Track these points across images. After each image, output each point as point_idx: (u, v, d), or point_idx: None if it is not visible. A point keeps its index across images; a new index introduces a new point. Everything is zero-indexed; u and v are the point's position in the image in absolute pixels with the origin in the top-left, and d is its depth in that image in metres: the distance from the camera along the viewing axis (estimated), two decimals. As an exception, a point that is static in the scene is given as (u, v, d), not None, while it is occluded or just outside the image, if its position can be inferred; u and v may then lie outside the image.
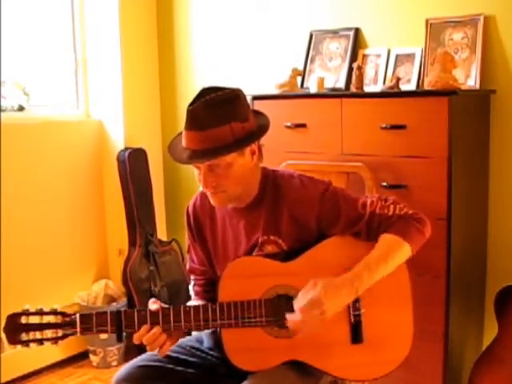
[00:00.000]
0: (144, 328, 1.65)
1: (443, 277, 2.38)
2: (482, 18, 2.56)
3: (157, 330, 1.64)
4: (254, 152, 1.72)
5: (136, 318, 1.65)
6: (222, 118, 1.62)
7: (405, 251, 1.71)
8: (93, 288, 3.43)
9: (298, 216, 1.74)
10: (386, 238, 1.71)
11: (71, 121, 3.48)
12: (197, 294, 1.93)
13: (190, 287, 1.96)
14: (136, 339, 1.65)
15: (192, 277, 1.96)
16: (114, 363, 3.32)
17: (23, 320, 1.63)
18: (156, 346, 1.65)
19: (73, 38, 3.53)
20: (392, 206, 1.74)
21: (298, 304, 1.63)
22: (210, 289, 1.89)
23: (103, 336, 3.22)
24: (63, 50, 3.52)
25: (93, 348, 3.31)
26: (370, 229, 1.73)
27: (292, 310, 1.65)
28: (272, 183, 1.78)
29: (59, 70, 3.52)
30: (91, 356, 3.34)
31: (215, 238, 1.86)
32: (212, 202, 1.75)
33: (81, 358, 3.39)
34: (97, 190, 3.54)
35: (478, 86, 2.56)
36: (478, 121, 2.58)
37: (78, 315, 1.65)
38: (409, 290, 1.76)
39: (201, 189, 1.80)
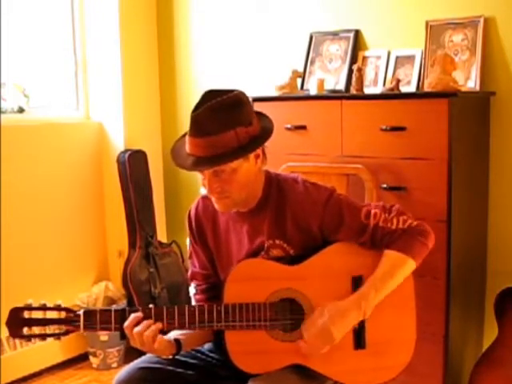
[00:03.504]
0: (135, 317, 1.64)
1: (443, 279, 2.38)
2: (481, 19, 2.56)
3: (148, 321, 1.64)
4: (258, 156, 1.71)
5: None
6: (226, 123, 1.60)
7: (409, 266, 1.71)
8: (93, 290, 3.42)
9: (301, 221, 1.73)
10: (390, 255, 1.71)
11: (71, 123, 3.48)
12: (198, 303, 1.89)
13: (191, 295, 1.94)
14: (128, 324, 1.63)
15: (193, 284, 1.92)
16: (114, 365, 3.32)
17: (26, 314, 1.63)
18: (148, 336, 1.62)
19: (73, 39, 3.53)
20: (395, 220, 1.73)
21: (307, 333, 1.65)
22: (212, 295, 1.86)
23: (103, 338, 3.22)
24: (63, 52, 3.52)
25: (93, 350, 3.31)
26: (374, 241, 1.73)
27: (295, 315, 1.68)
28: (276, 187, 1.78)
29: (59, 72, 3.52)
30: (91, 358, 3.34)
31: (218, 242, 1.85)
32: (217, 207, 1.75)
33: (81, 359, 3.39)
34: (97, 192, 3.54)
35: (477, 88, 2.56)
36: (477, 123, 2.58)
37: (81, 311, 1.65)
38: (412, 296, 1.76)
39: (202, 192, 1.79)
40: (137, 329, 1.63)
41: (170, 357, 1.74)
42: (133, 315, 1.65)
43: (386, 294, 1.68)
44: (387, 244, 1.72)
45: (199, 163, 1.64)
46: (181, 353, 1.77)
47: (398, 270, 1.70)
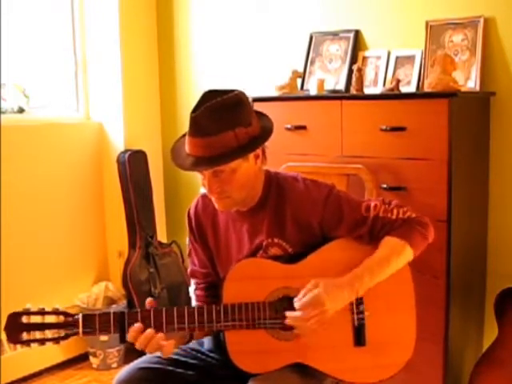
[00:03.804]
0: (136, 328, 1.62)
1: (443, 278, 2.37)
2: (481, 19, 2.56)
3: (149, 332, 1.62)
4: (257, 156, 1.71)
5: (140, 319, 1.64)
6: (225, 124, 1.61)
7: (407, 255, 1.71)
8: (93, 290, 3.43)
9: (301, 219, 1.74)
10: (388, 241, 1.72)
11: (71, 123, 3.48)
12: (198, 298, 1.91)
13: (191, 291, 1.95)
14: (130, 338, 1.63)
15: (193, 281, 1.93)
16: (114, 365, 3.32)
17: (24, 319, 1.62)
18: (152, 348, 1.62)
19: (73, 39, 3.54)
20: (395, 210, 1.74)
21: (299, 302, 1.63)
22: (212, 293, 1.87)
23: (103, 338, 3.22)
24: (63, 52, 3.52)
25: (93, 350, 3.31)
26: (373, 232, 1.74)
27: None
28: (275, 186, 1.78)
29: (59, 72, 3.52)
30: (91, 358, 3.34)
31: (218, 241, 1.85)
32: (217, 206, 1.75)
33: (81, 359, 3.39)
34: (97, 192, 3.54)
35: (477, 88, 2.56)
36: (477, 123, 2.58)
37: (80, 315, 1.65)
38: (412, 294, 1.77)
39: (201, 191, 1.79)
40: (138, 344, 1.62)
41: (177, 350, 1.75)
42: (131, 329, 1.62)
43: (381, 278, 1.68)
44: (387, 232, 1.73)
45: (198, 163, 1.64)
46: (180, 353, 1.78)
47: (395, 256, 1.70)
